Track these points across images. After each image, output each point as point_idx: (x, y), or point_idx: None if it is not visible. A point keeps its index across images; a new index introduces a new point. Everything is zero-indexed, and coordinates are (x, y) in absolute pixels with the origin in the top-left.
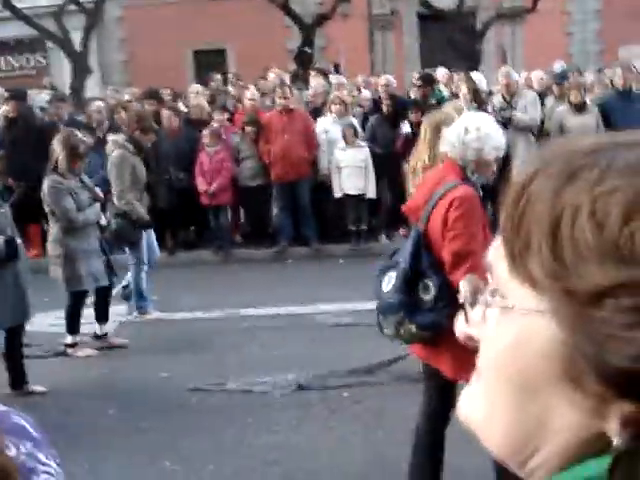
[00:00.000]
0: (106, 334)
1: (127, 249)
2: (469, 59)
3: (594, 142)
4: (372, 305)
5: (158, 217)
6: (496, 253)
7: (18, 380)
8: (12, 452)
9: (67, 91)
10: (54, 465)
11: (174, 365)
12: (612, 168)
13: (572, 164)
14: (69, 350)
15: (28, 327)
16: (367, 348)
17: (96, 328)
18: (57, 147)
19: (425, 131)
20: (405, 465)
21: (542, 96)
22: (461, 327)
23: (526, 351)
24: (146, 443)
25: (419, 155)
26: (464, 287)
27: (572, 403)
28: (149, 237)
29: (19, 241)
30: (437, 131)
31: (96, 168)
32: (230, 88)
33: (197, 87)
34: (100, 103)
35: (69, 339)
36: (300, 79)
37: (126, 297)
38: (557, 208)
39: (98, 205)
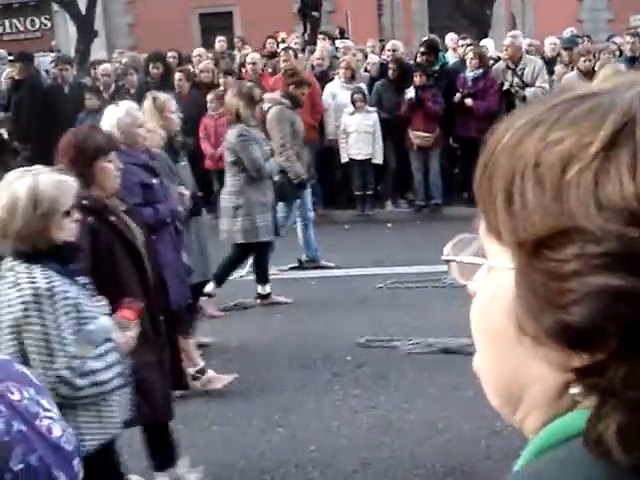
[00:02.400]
0: (269, 294)
1: (291, 204)
2: (479, 24)
3: (563, 94)
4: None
5: None
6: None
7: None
8: (16, 396)
9: (72, 54)
10: (56, 411)
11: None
12: (562, 120)
13: (534, 118)
14: (262, 300)
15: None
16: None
17: (258, 288)
18: (232, 100)
19: None
20: None
21: (552, 62)
22: (470, 285)
23: (495, 307)
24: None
25: None
26: (447, 246)
27: (537, 356)
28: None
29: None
30: None
31: None
32: (235, 52)
33: (200, 50)
34: (108, 66)
35: (260, 289)
36: (308, 42)
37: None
38: (512, 161)
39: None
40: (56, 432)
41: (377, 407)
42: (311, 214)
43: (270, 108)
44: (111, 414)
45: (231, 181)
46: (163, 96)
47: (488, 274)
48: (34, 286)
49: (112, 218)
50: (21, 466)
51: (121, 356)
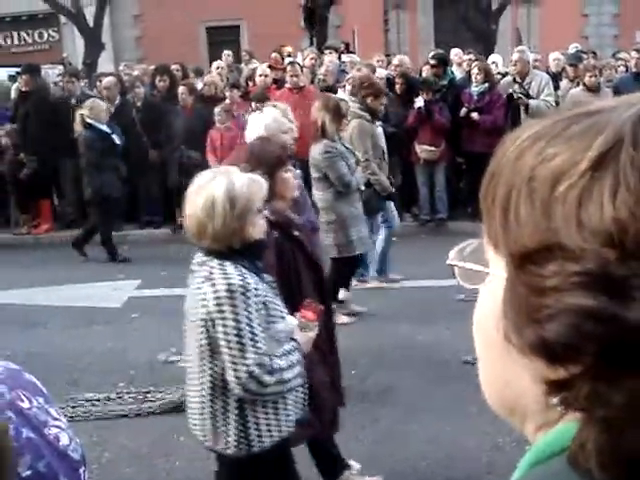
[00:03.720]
0: (344, 300)
1: (378, 215)
2: (484, 40)
3: (571, 110)
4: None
5: (169, 195)
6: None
7: None
8: (26, 404)
9: (80, 66)
10: (64, 420)
11: None
12: (561, 136)
13: (538, 132)
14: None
15: None
16: None
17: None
18: (320, 113)
19: None
20: None
21: (557, 78)
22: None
23: (488, 316)
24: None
25: None
26: (452, 251)
27: (525, 367)
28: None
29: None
30: None
31: None
32: (242, 65)
33: (220, 63)
34: (111, 79)
35: (341, 294)
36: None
37: None
38: (513, 174)
39: (360, 169)
40: (64, 440)
41: (380, 420)
42: (394, 224)
43: (350, 121)
44: (287, 412)
45: (319, 196)
46: (282, 105)
47: (489, 281)
48: (228, 282)
49: (295, 233)
50: (29, 472)
51: (301, 356)
